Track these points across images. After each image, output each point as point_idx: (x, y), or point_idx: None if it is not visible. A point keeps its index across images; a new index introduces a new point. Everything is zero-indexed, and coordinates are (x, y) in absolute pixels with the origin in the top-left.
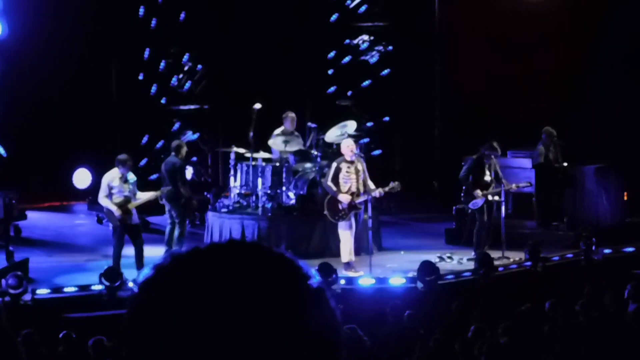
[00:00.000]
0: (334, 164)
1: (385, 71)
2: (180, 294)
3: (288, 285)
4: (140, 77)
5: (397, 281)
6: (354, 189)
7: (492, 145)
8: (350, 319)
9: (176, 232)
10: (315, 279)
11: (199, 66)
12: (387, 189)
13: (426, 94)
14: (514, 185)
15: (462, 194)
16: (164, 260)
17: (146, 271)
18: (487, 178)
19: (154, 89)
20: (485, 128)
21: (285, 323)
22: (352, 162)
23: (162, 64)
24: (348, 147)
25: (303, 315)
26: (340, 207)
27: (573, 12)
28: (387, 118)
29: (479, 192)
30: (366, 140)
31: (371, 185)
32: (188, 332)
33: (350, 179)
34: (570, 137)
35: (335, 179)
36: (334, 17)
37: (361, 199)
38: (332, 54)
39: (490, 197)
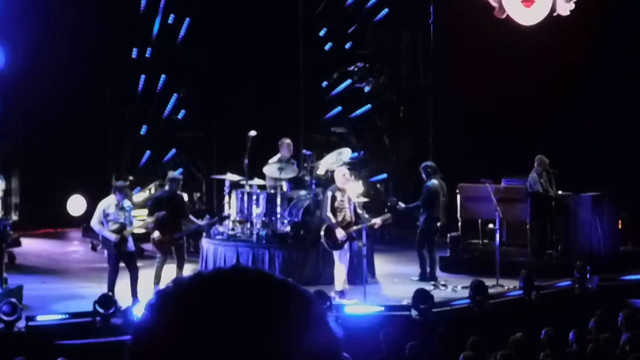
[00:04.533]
0: (329, 193)
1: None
2: (185, 321)
3: (293, 310)
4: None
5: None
6: (347, 218)
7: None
8: (343, 348)
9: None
10: (318, 304)
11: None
12: (380, 221)
13: (421, 121)
14: None
15: None
16: (167, 286)
17: (150, 298)
18: None
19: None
20: (479, 156)
21: (290, 348)
22: (344, 190)
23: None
24: (343, 175)
25: (308, 340)
26: (338, 236)
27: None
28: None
29: None
30: (384, 176)
31: (364, 213)
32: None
33: (344, 207)
34: (563, 164)
35: (332, 209)
36: (329, 45)
37: (356, 227)
38: (326, 82)
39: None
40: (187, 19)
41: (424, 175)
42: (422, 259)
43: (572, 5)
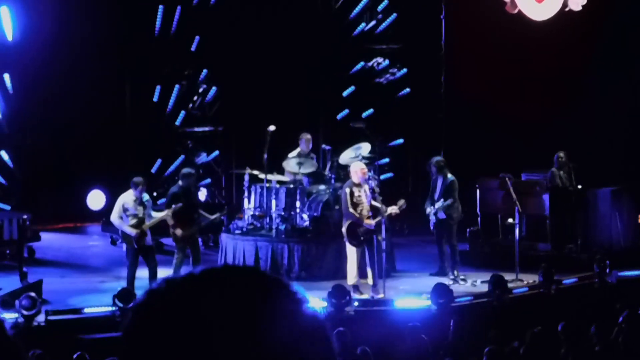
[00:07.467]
0: (347, 190)
1: (399, 93)
2: (173, 320)
3: (284, 310)
4: (155, 98)
5: (413, 303)
6: (365, 212)
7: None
8: (363, 341)
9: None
10: (310, 304)
11: (214, 88)
12: (397, 208)
13: (435, 116)
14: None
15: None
16: (158, 285)
17: (139, 295)
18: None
19: (168, 110)
20: (494, 149)
21: (280, 349)
22: (360, 185)
23: (177, 87)
24: (361, 170)
25: (298, 341)
26: (359, 232)
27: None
28: (400, 141)
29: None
30: (386, 160)
31: (382, 205)
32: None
33: (361, 202)
34: (582, 159)
35: (353, 204)
36: (349, 38)
37: (378, 219)
38: (346, 76)
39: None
40: (205, 12)
41: (434, 171)
42: (444, 253)
43: (584, 0)
